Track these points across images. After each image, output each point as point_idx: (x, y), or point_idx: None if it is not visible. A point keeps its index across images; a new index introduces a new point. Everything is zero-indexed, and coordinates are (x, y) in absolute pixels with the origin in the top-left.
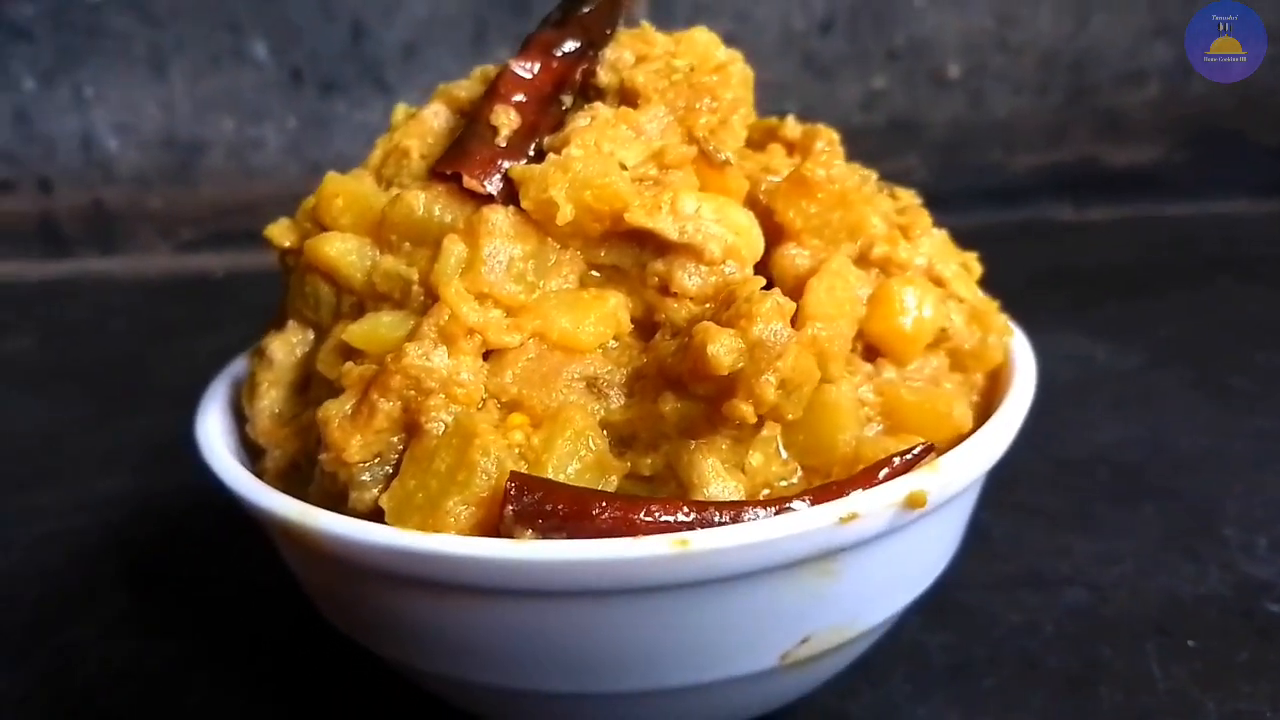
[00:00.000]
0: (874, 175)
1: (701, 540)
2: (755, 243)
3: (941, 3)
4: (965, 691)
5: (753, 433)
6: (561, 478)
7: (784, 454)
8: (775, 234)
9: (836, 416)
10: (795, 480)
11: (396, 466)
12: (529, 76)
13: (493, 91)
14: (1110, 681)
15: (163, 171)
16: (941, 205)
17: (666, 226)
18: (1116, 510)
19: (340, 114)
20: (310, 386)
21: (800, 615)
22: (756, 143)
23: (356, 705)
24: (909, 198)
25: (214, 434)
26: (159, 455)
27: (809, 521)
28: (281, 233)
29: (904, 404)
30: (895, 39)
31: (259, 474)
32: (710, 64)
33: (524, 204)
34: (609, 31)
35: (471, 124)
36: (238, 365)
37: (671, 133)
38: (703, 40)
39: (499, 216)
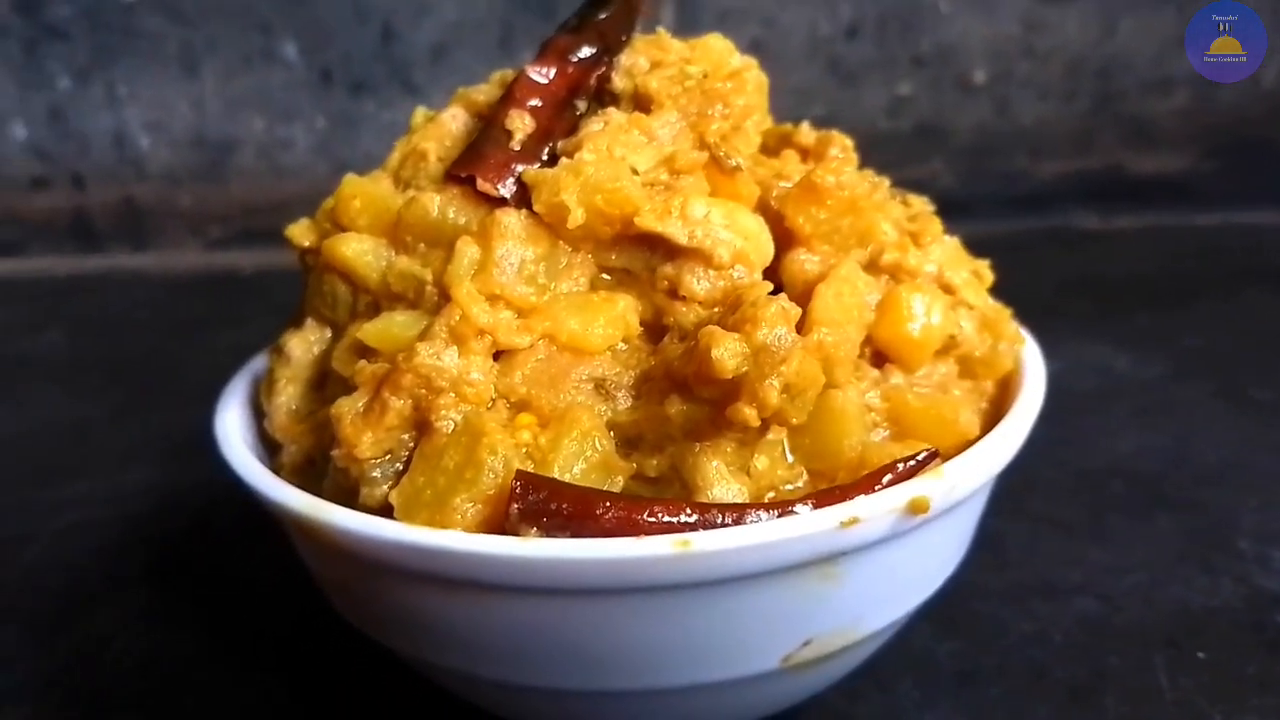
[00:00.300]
0: (886, 182)
1: (703, 541)
2: (764, 248)
3: (968, 9)
4: (972, 699)
5: (758, 436)
6: (567, 477)
7: (790, 458)
8: (786, 239)
9: (842, 421)
10: (801, 484)
11: (407, 463)
12: (544, 82)
13: (508, 96)
14: (1117, 692)
15: (193, 170)
16: (966, 212)
17: (676, 231)
18: (1132, 521)
19: (369, 114)
20: (327, 384)
21: (802, 618)
22: (771, 149)
23: (372, 699)
24: (921, 204)
25: (232, 429)
26: (182, 449)
27: (810, 525)
28: (301, 232)
29: (910, 410)
30: (921, 45)
31: (276, 469)
32: (724, 70)
33: (536, 207)
34: (625, 37)
35: (487, 128)
36: (258, 362)
37: (683, 138)
38: (717, 47)
39: (511, 219)
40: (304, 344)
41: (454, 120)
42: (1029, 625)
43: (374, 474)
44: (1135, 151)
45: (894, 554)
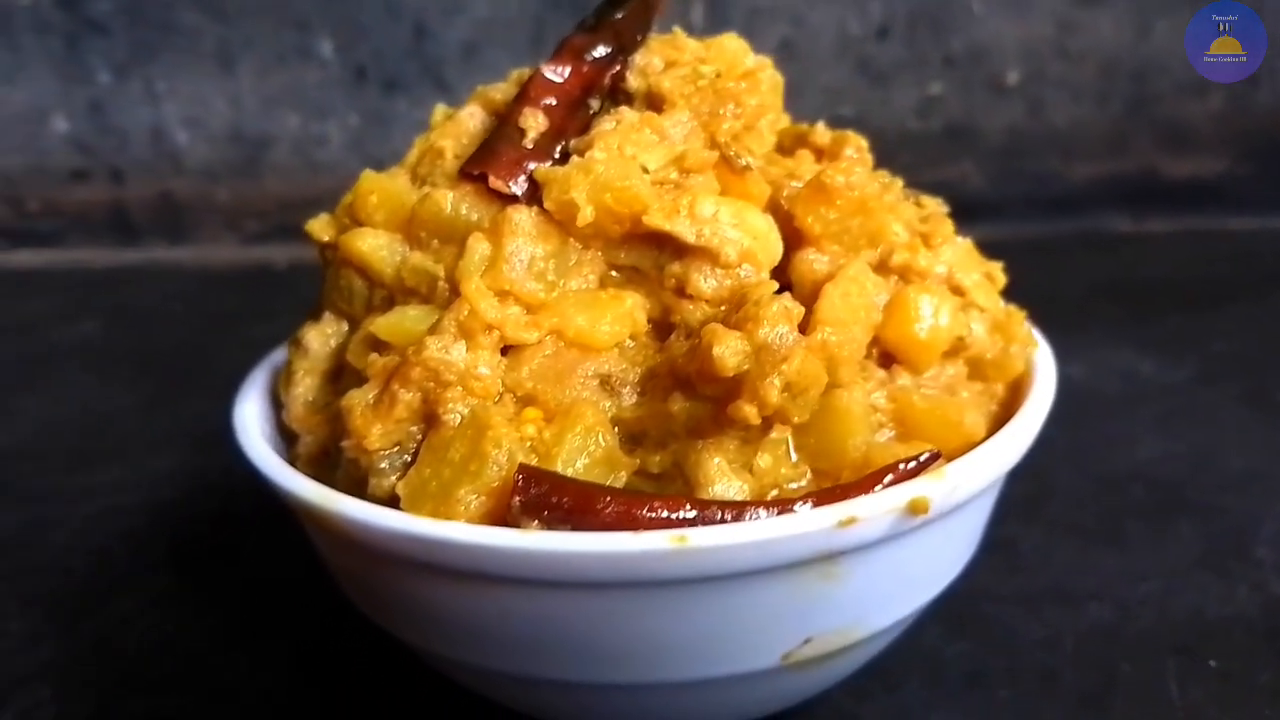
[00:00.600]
0: (900, 182)
1: (700, 537)
2: (772, 247)
3: (1001, 9)
4: (979, 702)
5: (761, 434)
6: (570, 472)
7: (794, 456)
8: (796, 239)
9: (847, 421)
10: (804, 483)
11: (415, 455)
12: (559, 80)
13: (523, 95)
14: (1127, 699)
15: (230, 165)
16: (997, 213)
17: (684, 229)
18: (1151, 527)
19: (401, 112)
20: (343, 376)
21: (802, 616)
22: (787, 148)
23: (384, 688)
24: (934, 205)
25: (250, 419)
26: (210, 438)
27: (808, 523)
28: (321, 228)
29: (916, 411)
30: (953, 45)
31: (293, 459)
32: (738, 70)
33: (546, 204)
34: (641, 37)
35: (500, 126)
36: (279, 354)
37: (695, 137)
38: (732, 47)
39: (522, 216)
40: (321, 337)
41: (472, 118)
42: (1040, 630)
43: (382, 465)
44: (1170, 155)
45: (895, 554)
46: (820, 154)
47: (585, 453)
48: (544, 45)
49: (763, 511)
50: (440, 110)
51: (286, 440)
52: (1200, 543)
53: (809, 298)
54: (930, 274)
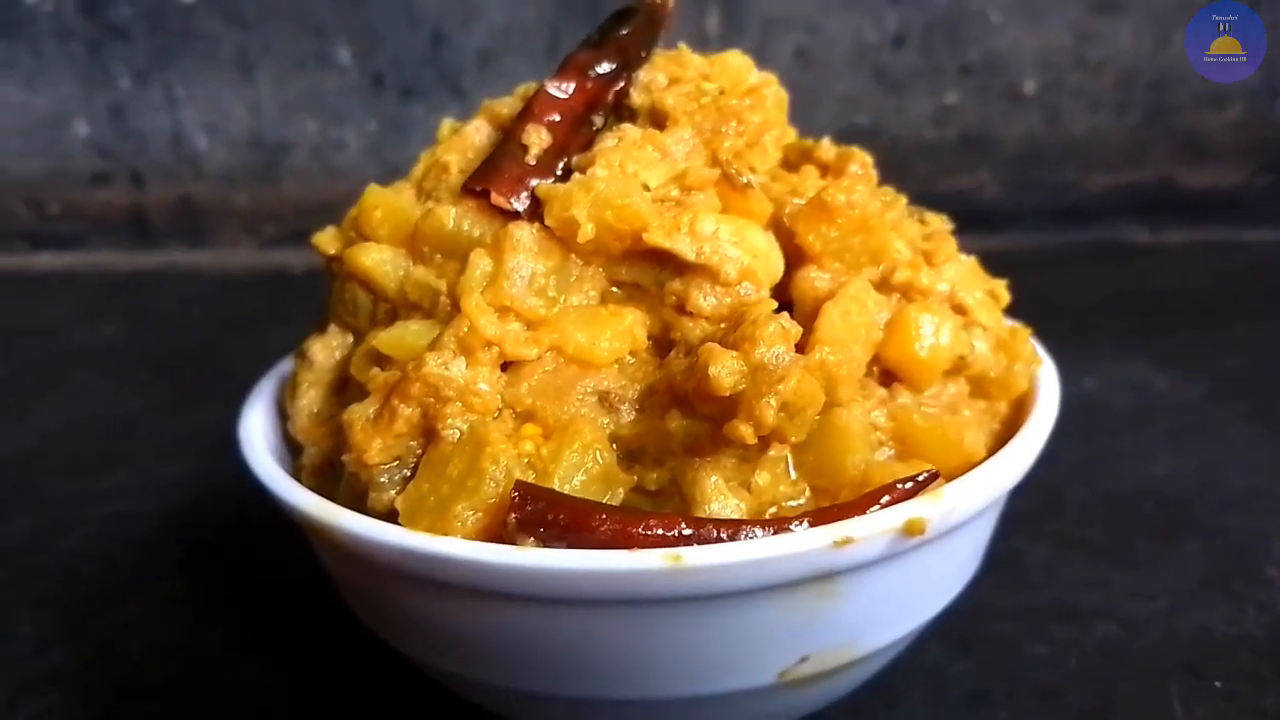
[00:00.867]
0: (904, 200)
1: (694, 556)
2: (773, 265)
3: (1018, 18)
4: None
5: (759, 452)
6: (567, 488)
7: (793, 475)
8: (797, 257)
9: (846, 440)
10: (803, 501)
11: (415, 470)
12: (563, 97)
13: (527, 111)
14: (1129, 718)
15: (248, 170)
16: (1013, 223)
17: (684, 247)
18: (1159, 545)
19: (418, 119)
20: (347, 388)
21: (798, 635)
22: (792, 163)
23: (387, 698)
24: (939, 222)
25: (256, 430)
26: (221, 445)
27: (803, 543)
28: (327, 240)
29: (915, 429)
30: (970, 54)
31: (297, 470)
32: (742, 87)
33: (548, 221)
34: (645, 53)
35: (504, 142)
36: (287, 364)
37: (697, 155)
38: (736, 64)
39: (524, 233)
40: (326, 349)
41: (477, 133)
42: (1043, 648)
43: (382, 479)
44: (1188, 165)
45: (893, 574)
46: (825, 170)
47: (582, 469)
48: (559, 53)
49: (759, 530)
50: (447, 125)
51: (292, 451)
52: (1208, 561)
53: (810, 315)
54: (932, 292)
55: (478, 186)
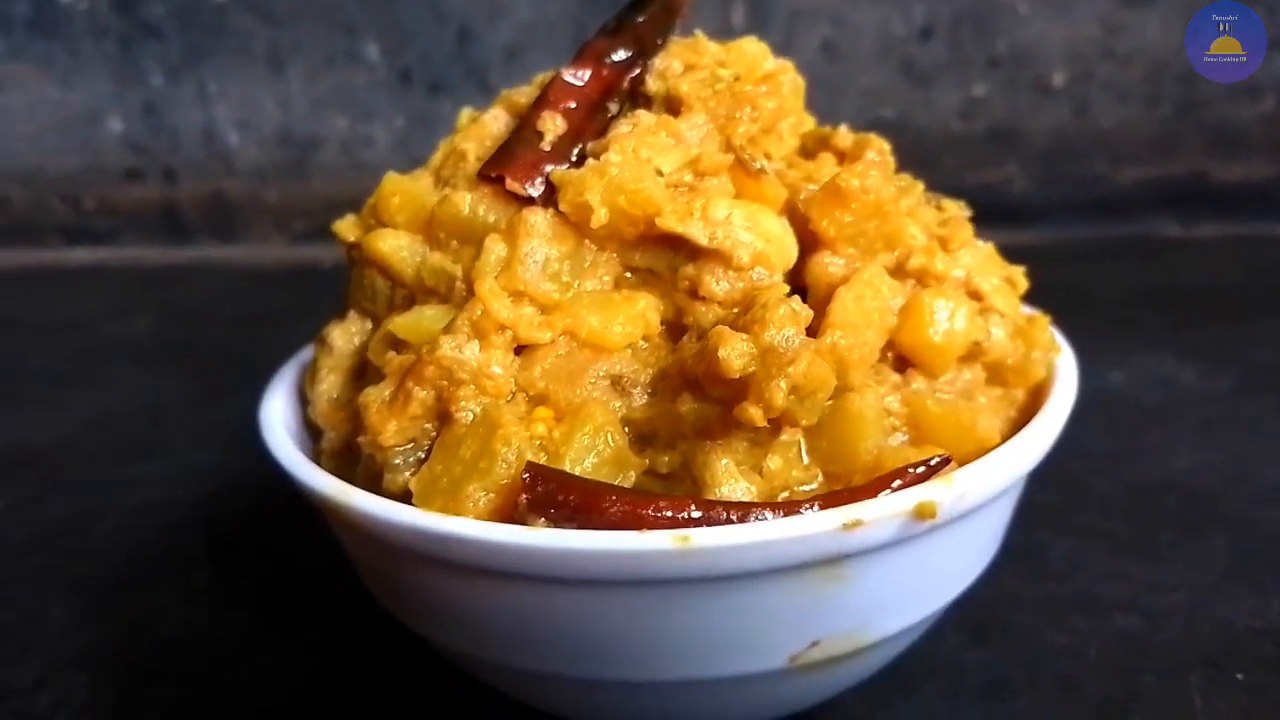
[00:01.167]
0: (920, 186)
1: (703, 537)
2: (786, 250)
3: (1046, 9)
4: (997, 710)
5: (770, 436)
6: (579, 470)
7: (806, 459)
8: (812, 242)
9: (859, 425)
10: (815, 486)
11: (429, 452)
12: (579, 84)
13: (542, 98)
14: (1148, 710)
15: (279, 165)
16: (1042, 217)
17: (696, 232)
18: (1183, 538)
19: (445, 114)
20: (366, 373)
21: (808, 619)
22: (810, 151)
23: (407, 683)
24: (955, 209)
25: (276, 415)
26: (250, 434)
27: (812, 525)
28: (347, 228)
29: (929, 415)
30: (997, 46)
31: (317, 455)
32: (757, 73)
33: (562, 206)
34: (661, 40)
35: (519, 129)
36: (308, 352)
37: (711, 140)
38: (751, 50)
39: (538, 218)
40: (346, 335)
41: (495, 121)
42: (1064, 639)
43: (396, 461)
44: (1219, 159)
45: (904, 559)
46: (842, 157)
47: (594, 452)
48: None
49: (768, 513)
50: (466, 113)
51: (313, 436)
52: (1232, 554)
53: (823, 301)
54: (947, 278)
55: (493, 173)
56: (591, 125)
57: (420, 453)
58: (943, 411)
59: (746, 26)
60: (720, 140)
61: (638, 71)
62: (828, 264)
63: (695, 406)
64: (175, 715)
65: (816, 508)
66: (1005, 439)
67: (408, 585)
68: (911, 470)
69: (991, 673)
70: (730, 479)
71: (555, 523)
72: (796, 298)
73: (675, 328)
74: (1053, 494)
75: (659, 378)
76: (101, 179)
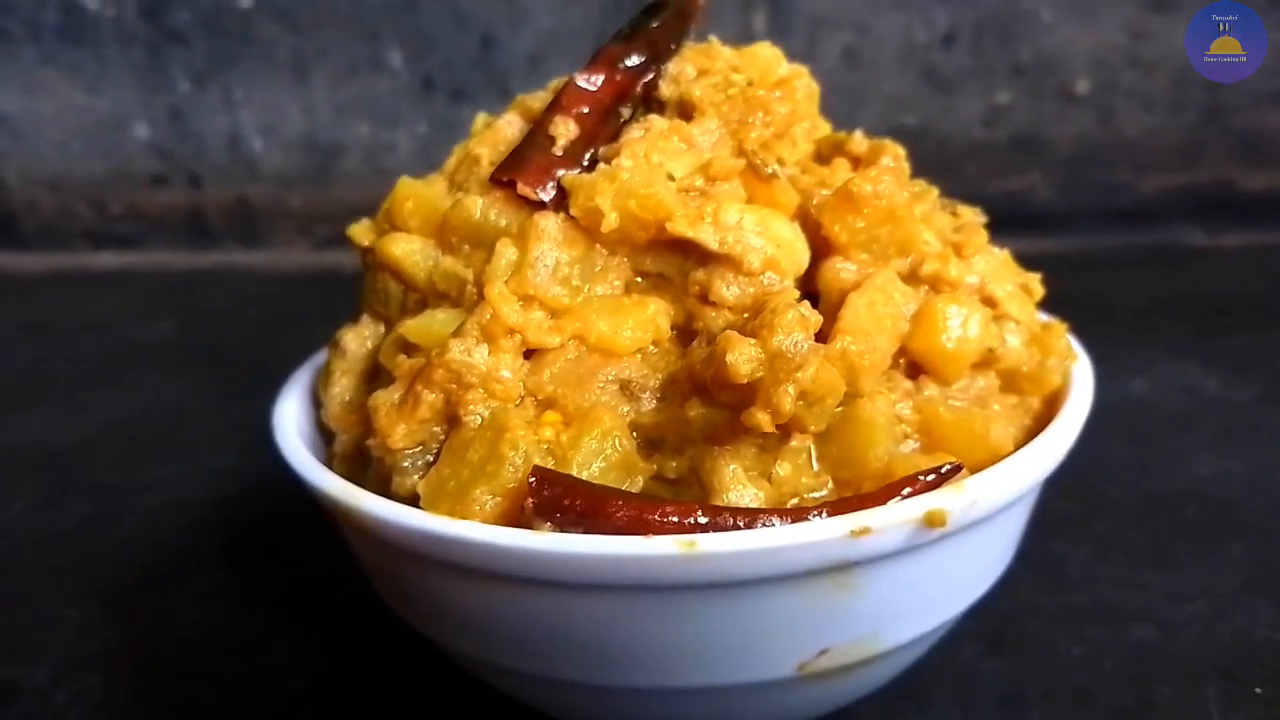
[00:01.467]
0: (935, 191)
1: (709, 543)
2: (797, 255)
3: (1070, 17)
4: None
5: (779, 442)
6: (586, 475)
7: (815, 466)
8: (824, 248)
9: (870, 431)
10: (825, 493)
11: (437, 455)
12: (592, 89)
13: (555, 103)
14: None
15: (303, 172)
16: (1066, 225)
17: (707, 237)
18: (1202, 548)
19: (468, 121)
20: (378, 377)
21: (816, 626)
22: (825, 156)
23: (416, 682)
24: (971, 215)
25: (289, 418)
26: (269, 437)
27: (820, 532)
28: (362, 232)
29: (941, 422)
30: (1021, 53)
31: (330, 458)
32: (771, 78)
33: (573, 211)
34: (675, 46)
35: (532, 134)
36: (322, 356)
37: (723, 145)
38: (765, 55)
39: (549, 222)
40: (359, 338)
41: (510, 126)
42: (1080, 649)
43: (405, 464)
44: (1245, 167)
45: (914, 567)
46: (857, 162)
47: (602, 456)
48: None
49: (775, 519)
50: (481, 118)
51: (326, 439)
52: (1252, 565)
53: (835, 307)
54: (961, 284)
55: (505, 177)
56: (604, 130)
57: (429, 456)
58: (955, 419)
59: (768, 33)
60: (732, 145)
61: (651, 76)
62: (840, 269)
63: (704, 412)
64: (189, 715)
65: (825, 514)
66: (1019, 447)
67: (415, 588)
68: (922, 478)
69: (1006, 684)
70: (738, 485)
71: (561, 527)
72: (805, 303)
73: (685, 333)
74: (1070, 503)
75: (668, 383)
76: (127, 184)
